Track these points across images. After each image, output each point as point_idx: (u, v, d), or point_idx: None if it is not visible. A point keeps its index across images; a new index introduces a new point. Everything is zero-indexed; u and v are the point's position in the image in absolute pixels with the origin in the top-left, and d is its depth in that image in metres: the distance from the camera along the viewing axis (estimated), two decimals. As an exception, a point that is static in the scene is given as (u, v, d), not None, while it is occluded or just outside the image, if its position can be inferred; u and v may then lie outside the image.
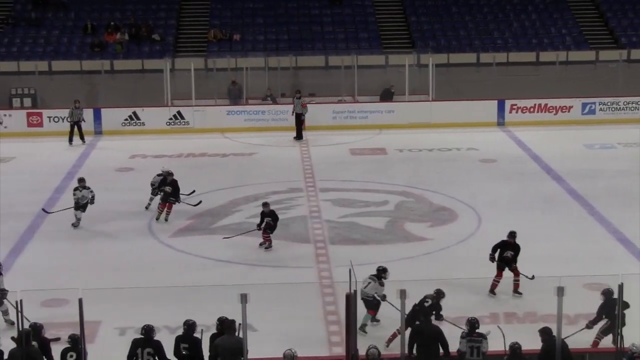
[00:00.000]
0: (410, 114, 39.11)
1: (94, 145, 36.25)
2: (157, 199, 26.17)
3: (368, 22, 46.33)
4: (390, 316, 16.76)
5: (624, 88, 39.85)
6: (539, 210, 26.79)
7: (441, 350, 15.47)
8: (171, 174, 26.17)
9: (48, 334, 15.82)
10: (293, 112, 36.91)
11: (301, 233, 25.08)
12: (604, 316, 16.91)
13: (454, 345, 15.58)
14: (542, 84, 40.34)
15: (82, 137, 36.24)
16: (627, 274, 19.92)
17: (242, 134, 37.09)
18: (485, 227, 25.08)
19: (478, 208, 26.82)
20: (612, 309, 16.24)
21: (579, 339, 16.38)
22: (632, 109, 39.44)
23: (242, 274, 21.53)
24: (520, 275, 20.04)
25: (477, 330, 15.53)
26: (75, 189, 25.32)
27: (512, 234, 20.61)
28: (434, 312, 17.16)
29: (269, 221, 23.30)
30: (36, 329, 15.17)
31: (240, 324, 14.33)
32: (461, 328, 15.83)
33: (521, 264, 20.65)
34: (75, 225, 25.16)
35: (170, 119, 38.38)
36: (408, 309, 14.40)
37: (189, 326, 15.32)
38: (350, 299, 14.91)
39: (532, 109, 39.29)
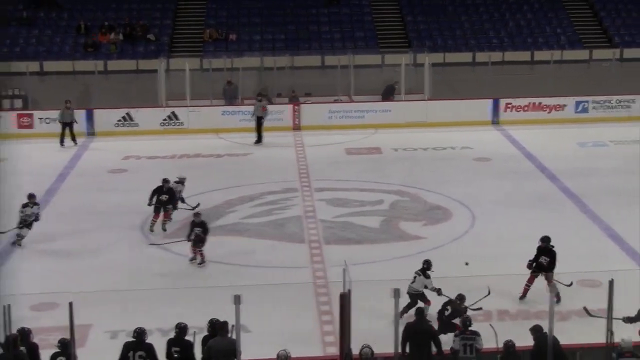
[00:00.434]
0: (406, 113, 39.14)
1: (87, 146, 36.16)
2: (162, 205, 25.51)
3: (364, 22, 46.36)
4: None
5: (616, 86, 39.89)
6: (533, 209, 26.85)
7: (434, 349, 15.51)
8: (182, 182, 26.11)
9: (37, 338, 15.67)
10: (253, 115, 36.37)
11: (296, 233, 25.12)
12: None
13: (447, 343, 15.65)
14: (537, 83, 40.41)
15: (73, 139, 36.04)
16: (619, 271, 20.09)
17: (237, 134, 37.08)
18: (479, 226, 25.16)
19: (472, 207, 26.88)
20: None
21: (571, 335, 16.41)
22: (625, 107, 39.52)
23: (236, 275, 21.54)
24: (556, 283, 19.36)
25: (470, 328, 15.59)
26: (25, 205, 23.74)
27: (543, 239, 20.32)
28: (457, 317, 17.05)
29: (198, 232, 22.48)
30: (24, 333, 14.99)
31: (233, 325, 14.34)
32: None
33: (517, 261, 20.77)
34: (18, 244, 23.69)
35: (165, 119, 38.33)
36: (402, 307, 14.40)
37: (181, 329, 15.30)
38: (344, 299, 14.93)
39: (526, 108, 39.33)
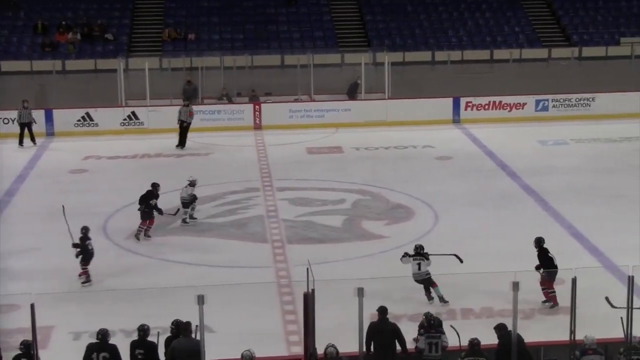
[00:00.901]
0: (366, 113, 39.21)
1: (46, 146, 35.87)
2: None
3: (323, 21, 46.39)
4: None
5: (575, 85, 40.22)
6: (494, 207, 26.96)
7: (399, 348, 15.50)
8: (194, 184, 25.80)
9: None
10: (178, 120, 35.43)
11: (258, 233, 25.05)
12: None
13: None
14: (497, 82, 40.63)
15: (32, 139, 35.74)
16: (581, 268, 20.18)
17: (198, 134, 36.90)
18: (441, 225, 25.20)
19: (434, 205, 26.92)
20: None
21: (535, 332, 16.46)
22: (584, 105, 39.78)
23: (199, 275, 21.39)
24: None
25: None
26: None
27: (535, 240, 20.20)
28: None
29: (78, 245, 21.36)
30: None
31: (197, 326, 14.26)
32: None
33: (479, 259, 20.84)
34: None
35: (125, 119, 38.14)
36: (367, 307, 14.37)
37: (144, 331, 15.17)
38: (308, 298, 14.89)
39: (487, 107, 39.49)
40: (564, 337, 15.25)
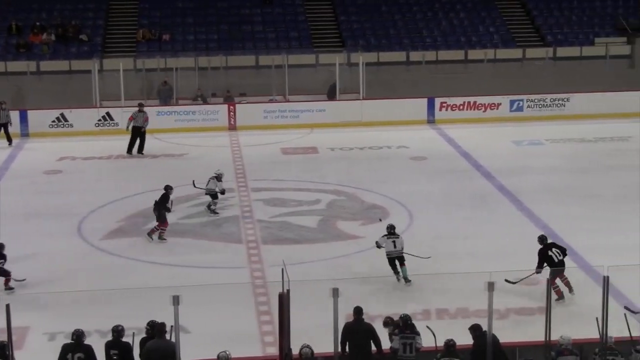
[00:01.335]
0: (341, 113, 39.23)
1: (21, 147, 35.71)
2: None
3: (298, 22, 46.37)
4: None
5: (550, 85, 40.39)
6: (469, 207, 27.01)
7: (374, 348, 15.50)
8: (220, 177, 26.43)
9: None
10: (131, 126, 34.70)
11: (233, 233, 25.01)
12: None
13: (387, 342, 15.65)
14: (471, 82, 40.74)
15: (9, 139, 35.67)
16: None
17: (172, 135, 36.86)
18: (416, 224, 25.22)
19: (409, 205, 26.95)
20: None
21: (510, 333, 16.49)
22: (559, 105, 39.95)
23: (174, 276, 21.35)
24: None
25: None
26: None
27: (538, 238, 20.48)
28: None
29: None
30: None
31: (172, 326, 14.22)
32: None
33: (453, 259, 20.88)
34: None
35: (99, 120, 38.02)
36: (342, 307, 14.36)
37: (118, 332, 15.11)
38: (283, 299, 14.88)
39: (461, 107, 39.59)
40: (540, 337, 15.29)
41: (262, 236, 24.70)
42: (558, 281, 19.43)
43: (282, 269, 14.70)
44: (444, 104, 39.55)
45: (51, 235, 24.54)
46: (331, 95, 40.68)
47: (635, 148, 33.71)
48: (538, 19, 47.12)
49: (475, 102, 39.63)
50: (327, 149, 34.95)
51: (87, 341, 15.06)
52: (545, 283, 14.90)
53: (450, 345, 14.85)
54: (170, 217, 25.77)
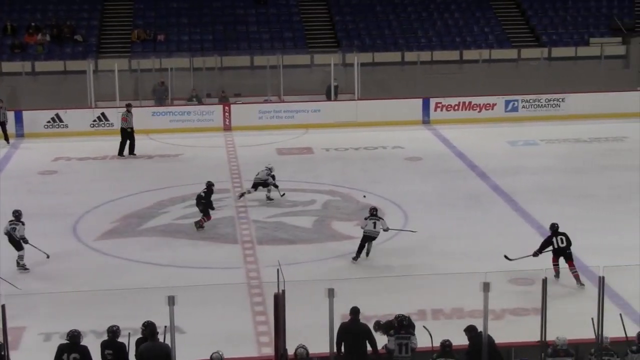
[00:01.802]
0: (336, 113, 39.24)
1: (16, 147, 35.72)
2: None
3: (293, 22, 46.36)
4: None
5: (545, 85, 40.42)
6: (464, 207, 27.02)
7: (369, 348, 15.49)
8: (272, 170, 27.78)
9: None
10: (128, 128, 34.54)
11: (229, 233, 25.00)
12: None
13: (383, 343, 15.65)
14: (466, 82, 40.74)
15: (6, 138, 35.75)
16: (551, 269, 20.34)
17: (167, 135, 36.86)
18: (411, 225, 25.13)
19: (404, 206, 26.95)
20: None
21: (505, 333, 16.49)
22: (554, 105, 40.01)
23: (170, 276, 21.35)
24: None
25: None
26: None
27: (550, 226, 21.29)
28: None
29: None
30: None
31: (166, 327, 14.19)
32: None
33: (447, 260, 20.86)
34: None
35: (94, 120, 38.00)
36: (337, 307, 14.35)
37: (114, 332, 15.08)
38: (278, 299, 14.85)
39: (456, 107, 39.63)
40: (535, 337, 15.29)
41: (258, 236, 24.68)
42: (566, 269, 20.14)
43: (278, 269, 14.68)
44: (439, 105, 39.58)
45: (45, 236, 24.39)
46: (330, 96, 40.62)
47: (630, 148, 33.80)
48: (533, 19, 47.18)
49: (470, 103, 39.67)
50: (322, 149, 34.95)
51: (82, 342, 15.01)
52: (540, 283, 14.87)
53: (446, 345, 14.83)
54: (165, 218, 25.86)
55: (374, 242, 22.53)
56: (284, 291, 14.73)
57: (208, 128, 37.93)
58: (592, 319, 14.62)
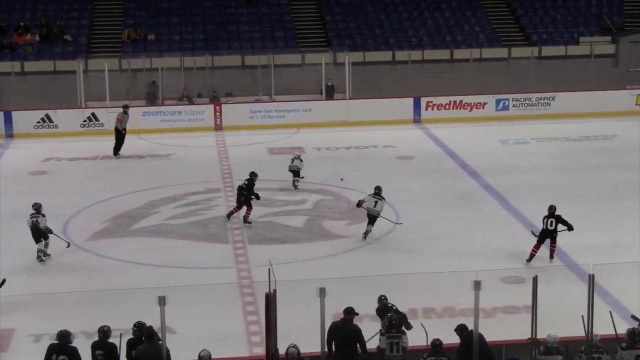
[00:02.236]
0: (327, 113, 39.23)
1: (5, 148, 35.64)
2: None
3: (284, 21, 46.33)
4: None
5: (535, 84, 40.46)
6: (455, 206, 27.03)
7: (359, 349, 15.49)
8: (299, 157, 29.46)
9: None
10: (123, 129, 34.58)
11: (220, 233, 24.99)
12: None
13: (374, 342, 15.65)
14: (457, 81, 40.75)
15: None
16: (542, 267, 20.34)
17: (158, 135, 36.82)
18: (403, 224, 25.19)
19: (396, 205, 26.90)
20: None
21: (496, 331, 16.49)
22: (544, 104, 40.07)
23: (161, 276, 21.33)
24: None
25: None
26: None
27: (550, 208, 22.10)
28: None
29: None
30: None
31: (158, 327, 14.15)
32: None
33: (439, 259, 20.86)
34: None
35: (85, 120, 37.93)
36: (328, 307, 14.34)
37: (104, 333, 15.06)
38: (269, 299, 14.83)
39: (447, 106, 39.66)
40: (525, 335, 15.30)
41: (249, 236, 24.68)
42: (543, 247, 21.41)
43: (269, 269, 14.67)
44: (430, 104, 39.61)
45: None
46: (329, 96, 40.60)
47: (620, 147, 33.91)
48: (523, 19, 47.23)
49: (461, 102, 39.72)
50: (313, 148, 34.91)
51: (73, 342, 14.96)
52: (531, 282, 14.88)
53: (436, 345, 14.83)
54: (156, 218, 25.83)
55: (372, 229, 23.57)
56: (275, 291, 14.72)
57: (199, 128, 37.90)
58: (582, 316, 14.64)
